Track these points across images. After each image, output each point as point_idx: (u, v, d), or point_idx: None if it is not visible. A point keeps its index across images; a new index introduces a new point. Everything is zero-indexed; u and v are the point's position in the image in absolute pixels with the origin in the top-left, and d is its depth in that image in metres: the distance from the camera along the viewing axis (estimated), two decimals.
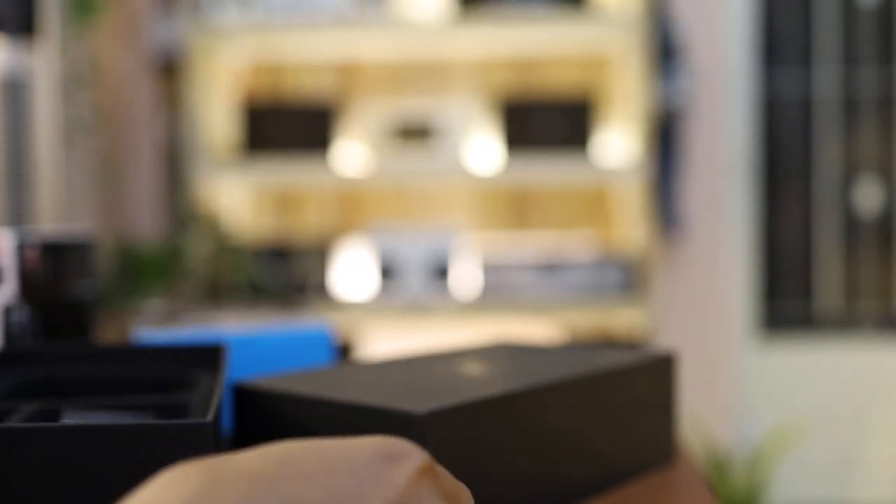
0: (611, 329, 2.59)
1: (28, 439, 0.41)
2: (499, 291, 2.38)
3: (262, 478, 0.27)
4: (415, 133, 2.41)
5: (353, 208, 2.72)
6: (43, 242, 0.74)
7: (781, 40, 2.89)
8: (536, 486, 0.53)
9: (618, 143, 2.59)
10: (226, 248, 2.36)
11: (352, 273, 2.55)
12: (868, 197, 2.89)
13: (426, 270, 2.39)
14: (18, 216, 2.26)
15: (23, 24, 2.17)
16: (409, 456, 0.30)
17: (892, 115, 2.88)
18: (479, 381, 0.54)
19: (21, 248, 0.73)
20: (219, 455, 0.29)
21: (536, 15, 2.34)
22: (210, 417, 0.43)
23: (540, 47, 2.64)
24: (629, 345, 2.37)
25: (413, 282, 2.38)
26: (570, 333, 2.52)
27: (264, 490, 0.27)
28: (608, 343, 2.42)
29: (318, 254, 2.43)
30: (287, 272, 2.42)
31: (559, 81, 2.68)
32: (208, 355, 0.64)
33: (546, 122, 2.37)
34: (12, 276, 0.72)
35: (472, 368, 0.59)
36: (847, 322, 2.90)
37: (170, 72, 2.77)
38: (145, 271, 2.50)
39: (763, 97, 2.89)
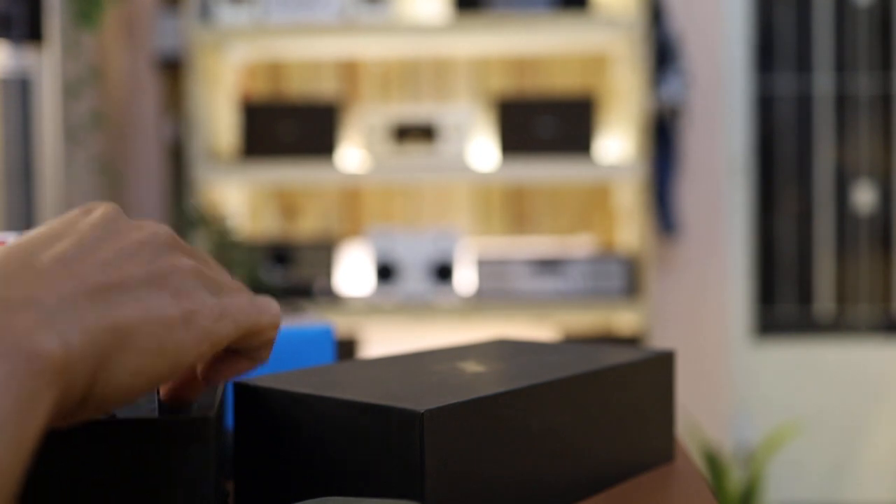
0: (608, 330, 2.59)
1: None
2: (498, 293, 2.38)
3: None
4: (416, 134, 2.41)
5: (354, 209, 2.72)
6: None
7: (778, 41, 2.89)
8: (536, 484, 0.53)
9: (617, 145, 2.59)
10: (229, 248, 2.36)
11: (353, 273, 2.55)
12: (865, 199, 2.89)
13: (427, 271, 2.39)
14: (23, 216, 2.26)
15: (29, 27, 2.17)
16: (103, 205, 0.41)
17: (890, 116, 2.88)
18: (479, 380, 0.54)
19: None
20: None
21: (536, 16, 2.34)
22: (212, 413, 0.43)
23: (540, 48, 2.64)
24: (628, 342, 2.37)
25: (414, 283, 2.39)
26: (567, 335, 2.52)
27: None
28: (608, 341, 2.42)
29: (321, 254, 2.43)
30: (289, 272, 2.43)
31: (559, 82, 2.68)
32: None
33: (546, 123, 2.38)
34: None
35: (472, 366, 0.59)
36: (843, 324, 2.91)
37: (174, 72, 2.77)
38: None
39: (759, 99, 2.89)
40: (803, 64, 2.89)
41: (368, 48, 2.57)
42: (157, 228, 0.41)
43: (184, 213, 2.32)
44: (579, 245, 2.68)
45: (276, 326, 0.44)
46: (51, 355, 0.32)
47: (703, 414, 2.80)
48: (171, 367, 0.38)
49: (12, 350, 0.31)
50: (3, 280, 0.34)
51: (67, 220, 0.40)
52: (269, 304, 0.44)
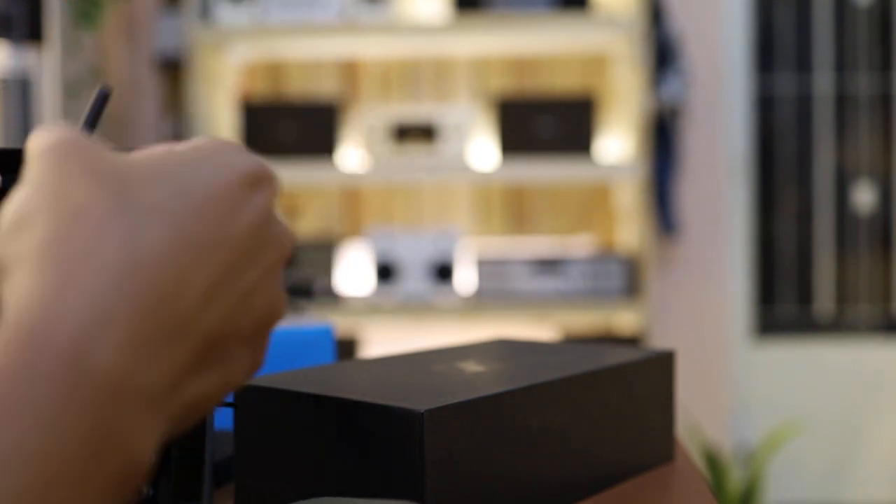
0: (608, 330, 2.59)
1: None
2: (498, 293, 2.38)
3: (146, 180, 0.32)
4: (416, 134, 2.41)
5: (354, 209, 2.72)
6: None
7: (778, 41, 2.89)
8: (537, 484, 0.53)
9: (617, 145, 2.59)
10: None
11: (353, 273, 2.55)
12: (865, 199, 2.89)
13: (427, 271, 2.39)
14: None
15: (29, 27, 2.17)
16: (269, 180, 0.35)
17: (890, 116, 2.88)
18: (480, 379, 0.54)
19: None
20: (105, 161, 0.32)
21: (536, 16, 2.34)
22: (205, 500, 0.42)
23: (540, 48, 2.64)
24: (628, 342, 2.37)
25: (414, 283, 2.39)
26: (567, 335, 2.52)
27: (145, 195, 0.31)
28: (608, 341, 2.42)
29: (321, 254, 2.43)
30: (289, 272, 2.43)
31: (559, 82, 2.68)
32: None
33: (546, 123, 2.38)
34: None
35: (473, 366, 0.59)
36: (843, 324, 2.91)
37: (174, 72, 2.77)
38: None
39: (759, 99, 2.90)
40: (803, 64, 2.89)
41: (368, 48, 2.57)
42: (287, 247, 0.36)
43: None
44: (579, 245, 2.68)
45: None
46: (144, 461, 0.29)
47: (703, 414, 2.80)
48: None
49: (113, 451, 0.28)
50: (144, 328, 0.29)
51: (226, 207, 0.33)
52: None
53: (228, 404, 0.53)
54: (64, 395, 0.27)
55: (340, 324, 2.37)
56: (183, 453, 0.44)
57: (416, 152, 2.42)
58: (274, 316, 0.35)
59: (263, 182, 0.35)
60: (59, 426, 0.26)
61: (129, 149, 0.46)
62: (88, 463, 0.27)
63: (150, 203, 0.31)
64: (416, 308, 2.33)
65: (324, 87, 2.72)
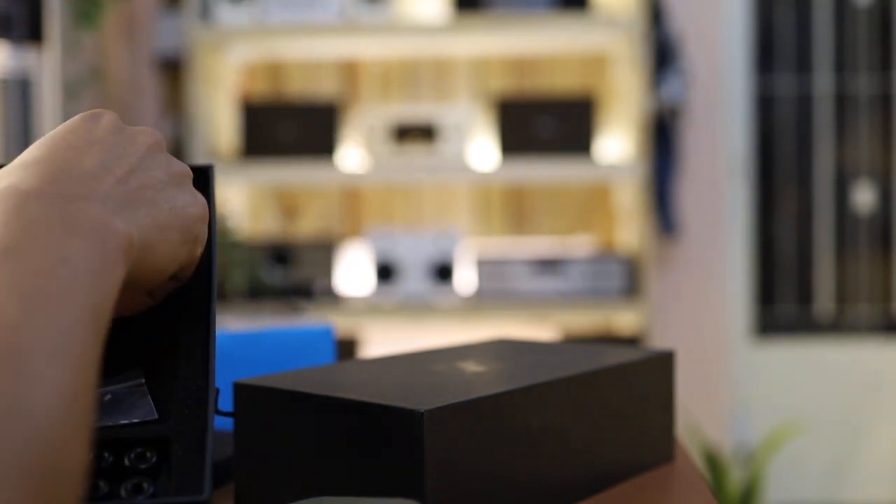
0: (608, 330, 2.59)
1: None
2: (498, 293, 2.38)
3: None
4: (416, 134, 2.41)
5: (354, 209, 2.72)
6: None
7: (778, 41, 2.89)
8: (537, 484, 0.53)
9: (617, 145, 2.59)
10: (229, 248, 2.36)
11: (353, 273, 2.55)
12: (865, 199, 2.89)
13: (427, 271, 2.39)
14: None
15: (29, 27, 2.18)
16: (104, 112, 0.46)
17: (890, 116, 2.88)
18: (480, 379, 0.54)
19: None
20: None
21: (536, 16, 2.35)
22: (206, 494, 0.42)
23: (540, 48, 2.64)
24: (629, 342, 2.37)
25: (414, 283, 2.39)
26: (567, 335, 2.52)
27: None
28: (608, 341, 2.42)
29: (321, 254, 2.43)
30: (289, 272, 2.43)
31: (559, 82, 2.68)
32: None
33: (546, 123, 2.38)
34: None
35: (473, 366, 0.59)
36: (843, 324, 2.91)
37: (174, 72, 2.77)
38: None
39: (759, 99, 2.89)
40: (803, 64, 2.89)
41: (368, 48, 2.57)
42: (156, 134, 0.47)
43: None
44: (579, 245, 2.68)
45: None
46: (124, 234, 0.39)
47: (703, 414, 2.80)
48: (192, 254, 0.47)
49: (89, 230, 0.38)
50: (59, 182, 0.39)
51: (79, 129, 0.44)
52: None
53: (228, 414, 0.53)
54: (46, 212, 0.38)
55: (340, 324, 2.37)
56: (183, 452, 0.44)
57: (416, 152, 2.42)
58: (178, 169, 0.47)
59: (101, 112, 0.46)
60: (48, 227, 0.37)
61: None
62: (78, 240, 0.37)
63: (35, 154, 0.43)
64: (416, 308, 2.33)
65: (324, 87, 2.72)
